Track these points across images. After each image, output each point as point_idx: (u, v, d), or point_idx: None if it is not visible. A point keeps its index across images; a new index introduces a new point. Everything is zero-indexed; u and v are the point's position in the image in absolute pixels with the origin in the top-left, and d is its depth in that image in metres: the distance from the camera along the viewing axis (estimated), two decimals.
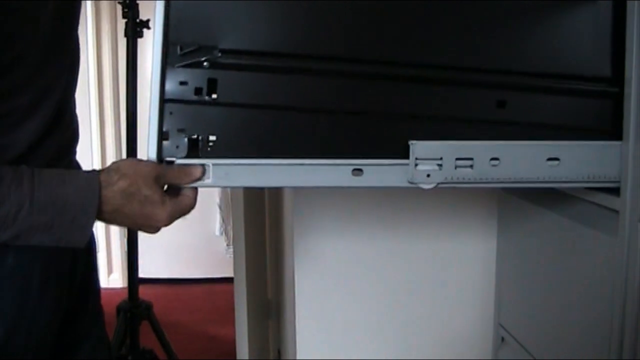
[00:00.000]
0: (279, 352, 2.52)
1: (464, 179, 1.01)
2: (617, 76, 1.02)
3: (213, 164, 0.96)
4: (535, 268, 1.33)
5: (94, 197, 0.90)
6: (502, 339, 1.52)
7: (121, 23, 2.19)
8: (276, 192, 2.27)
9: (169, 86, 0.95)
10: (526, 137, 1.03)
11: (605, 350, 1.04)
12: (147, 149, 0.95)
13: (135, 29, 2.13)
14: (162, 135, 0.95)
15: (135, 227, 0.97)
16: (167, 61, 0.95)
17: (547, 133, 1.04)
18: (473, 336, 1.59)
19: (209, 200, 4.04)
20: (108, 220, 0.94)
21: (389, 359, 1.58)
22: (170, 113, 0.95)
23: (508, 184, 1.04)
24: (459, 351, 1.59)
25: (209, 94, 0.96)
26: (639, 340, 0.99)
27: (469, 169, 1.01)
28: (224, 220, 4.18)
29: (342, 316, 1.56)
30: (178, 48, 0.95)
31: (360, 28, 0.98)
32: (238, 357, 2.62)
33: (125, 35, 2.16)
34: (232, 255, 2.53)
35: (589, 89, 1.06)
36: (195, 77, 0.96)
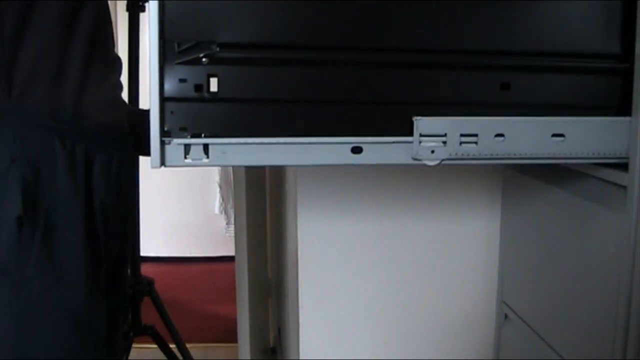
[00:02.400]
0: (279, 331, 2.52)
1: (468, 155, 0.99)
2: (627, 52, 1.00)
3: (211, 143, 0.94)
4: (539, 245, 1.32)
5: None
6: (506, 316, 1.51)
7: None
8: (278, 171, 2.26)
9: (168, 85, 0.92)
10: (532, 116, 1.01)
11: (612, 327, 1.03)
12: (151, 151, 0.93)
13: (137, 3, 2.10)
14: (164, 136, 0.93)
15: None
16: (165, 59, 0.92)
17: (553, 112, 1.02)
18: (476, 313, 1.58)
19: (208, 179, 4.04)
20: None
21: (393, 337, 1.57)
22: (171, 112, 0.93)
23: (513, 160, 1.02)
24: (461, 329, 1.59)
25: (210, 90, 0.94)
26: None
27: (473, 145, 0.99)
28: (223, 198, 4.19)
29: (345, 295, 1.55)
30: (175, 45, 0.92)
31: (360, 15, 0.96)
32: (239, 335, 2.63)
33: (127, 9, 2.14)
34: (231, 234, 2.53)
35: (597, 66, 1.03)
36: (195, 74, 0.93)
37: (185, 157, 0.94)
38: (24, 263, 1.10)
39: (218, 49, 0.93)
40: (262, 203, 2.58)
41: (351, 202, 1.52)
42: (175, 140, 0.93)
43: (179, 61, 0.92)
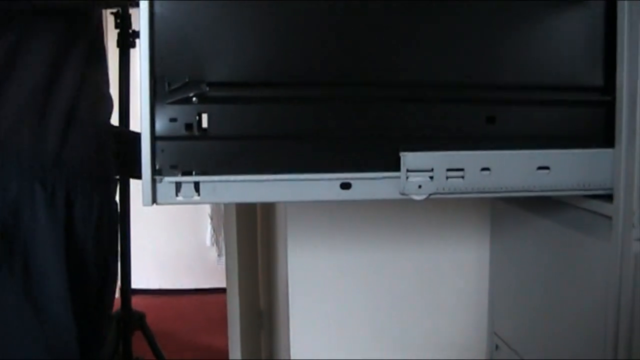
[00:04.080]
0: None
1: (455, 189, 1.00)
2: (609, 85, 1.02)
3: (202, 181, 0.95)
4: (528, 275, 1.33)
5: None
6: (497, 346, 1.51)
7: (113, 33, 2.18)
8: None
9: (159, 124, 0.94)
10: (517, 149, 1.03)
11: (601, 355, 1.04)
12: (141, 190, 0.94)
13: (128, 39, 2.12)
14: (155, 174, 0.94)
15: None
16: (156, 98, 0.93)
17: (538, 144, 1.03)
18: (467, 344, 1.59)
19: (199, 210, 4.03)
20: None
21: None
22: (162, 150, 0.94)
23: (499, 194, 1.03)
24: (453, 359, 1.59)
25: (200, 128, 0.95)
26: (633, 346, 0.99)
27: (460, 180, 1.00)
28: (214, 230, 4.18)
29: (336, 326, 1.55)
30: (166, 84, 0.93)
31: (346, 51, 0.98)
32: None
33: (118, 45, 2.15)
34: (223, 266, 2.53)
35: (581, 99, 1.06)
36: (185, 113, 0.95)
37: (177, 195, 0.95)
38: (1, 301, 1.11)
39: (208, 88, 0.94)
40: (252, 234, 2.59)
41: (341, 233, 1.53)
42: (167, 179, 0.94)
43: (169, 101, 0.94)
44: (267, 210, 2.31)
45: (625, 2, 0.98)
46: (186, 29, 0.94)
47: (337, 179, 0.98)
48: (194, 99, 0.94)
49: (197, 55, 0.94)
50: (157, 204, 0.95)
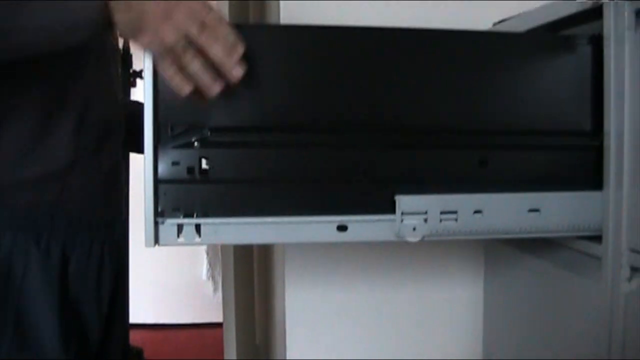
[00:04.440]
0: None
1: (449, 231, 1.03)
2: (597, 129, 1.06)
3: (203, 223, 0.98)
4: (522, 314, 1.35)
5: None
6: None
7: None
8: None
9: (161, 167, 0.97)
10: (509, 191, 1.05)
11: None
12: (144, 231, 0.96)
13: (129, 79, 2.15)
14: (157, 216, 0.96)
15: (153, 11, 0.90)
16: (159, 142, 0.96)
17: (529, 187, 1.06)
18: None
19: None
20: None
21: None
22: (164, 193, 0.97)
23: (492, 235, 1.06)
24: None
25: (201, 173, 0.98)
26: None
27: (453, 222, 1.03)
28: (210, 265, 4.19)
29: None
30: (169, 129, 0.97)
31: (343, 99, 1.01)
32: None
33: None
34: (219, 300, 2.53)
35: (570, 143, 1.09)
36: (187, 157, 0.97)
37: (178, 237, 0.97)
38: None
39: (209, 132, 0.98)
40: (249, 269, 2.60)
41: (338, 271, 1.55)
42: (169, 221, 0.97)
43: (172, 145, 0.97)
44: (264, 246, 2.33)
45: (612, 48, 1.01)
46: None
47: (334, 221, 1.00)
48: (195, 143, 0.97)
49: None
50: (159, 245, 0.97)
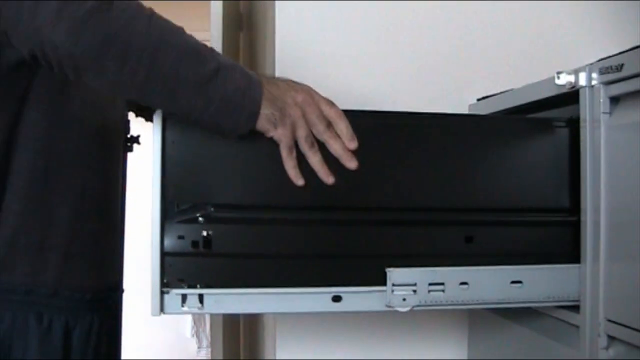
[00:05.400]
0: None
1: (436, 301, 1.09)
2: (574, 206, 1.12)
3: (206, 293, 1.03)
4: None
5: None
6: None
7: None
8: None
9: (167, 241, 1.03)
10: (492, 265, 1.11)
11: None
12: (150, 300, 1.01)
13: (126, 144, 2.18)
14: (163, 287, 1.02)
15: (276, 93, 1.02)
16: (165, 217, 1.03)
17: (511, 260, 1.12)
18: None
19: None
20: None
21: None
22: (170, 265, 1.03)
23: (476, 305, 1.12)
24: None
25: (205, 247, 1.04)
26: None
27: (440, 293, 1.09)
28: (195, 322, 4.19)
29: None
30: (175, 205, 1.03)
31: (338, 180, 1.06)
32: None
33: None
34: (202, 358, 2.56)
35: (550, 219, 1.16)
36: (192, 231, 1.04)
37: (182, 305, 1.03)
38: None
39: (213, 209, 1.04)
40: (236, 329, 2.62)
41: (329, 335, 1.60)
42: (174, 291, 1.02)
43: (178, 220, 1.03)
44: None
45: (588, 130, 1.08)
46: (194, 156, 1.05)
47: (329, 292, 1.06)
48: (200, 219, 1.03)
49: (204, 179, 1.04)
50: (164, 313, 1.03)
